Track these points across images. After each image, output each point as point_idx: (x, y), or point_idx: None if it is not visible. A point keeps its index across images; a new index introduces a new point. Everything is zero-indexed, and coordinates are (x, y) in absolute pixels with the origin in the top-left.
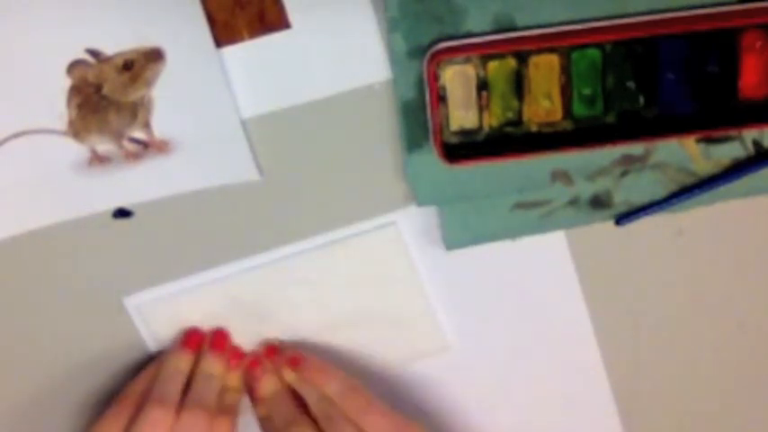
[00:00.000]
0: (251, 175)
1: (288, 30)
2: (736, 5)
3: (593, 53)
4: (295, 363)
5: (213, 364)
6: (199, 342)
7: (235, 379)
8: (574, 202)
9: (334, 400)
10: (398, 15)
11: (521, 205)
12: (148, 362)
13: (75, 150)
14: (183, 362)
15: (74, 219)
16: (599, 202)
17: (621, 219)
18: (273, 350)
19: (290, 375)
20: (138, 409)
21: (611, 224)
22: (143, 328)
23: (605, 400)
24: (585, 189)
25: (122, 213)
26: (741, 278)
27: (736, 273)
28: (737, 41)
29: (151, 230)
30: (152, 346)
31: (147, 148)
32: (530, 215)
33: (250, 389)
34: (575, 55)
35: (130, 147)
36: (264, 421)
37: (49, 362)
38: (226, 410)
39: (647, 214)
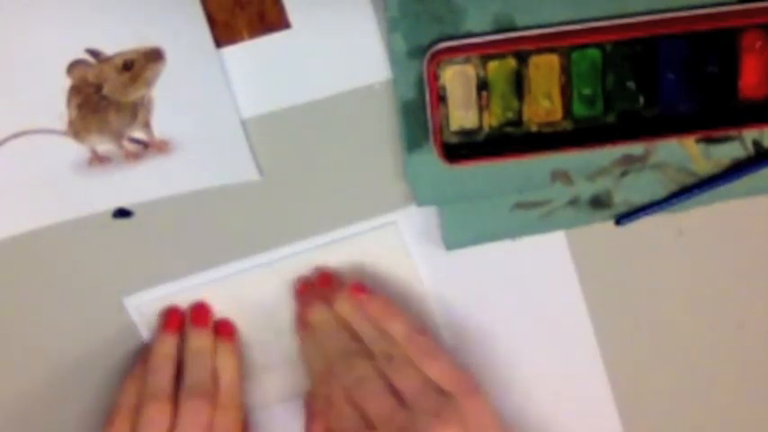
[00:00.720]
0: (251, 175)
1: (288, 30)
2: (736, 5)
3: (593, 53)
4: (358, 291)
5: (200, 340)
6: (179, 321)
7: (227, 352)
8: (574, 202)
9: (398, 340)
10: (398, 15)
11: (521, 205)
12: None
13: (75, 150)
14: (167, 346)
15: (74, 219)
16: (599, 202)
17: (621, 219)
18: (327, 278)
19: (343, 308)
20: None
21: (611, 224)
22: (143, 329)
23: (605, 399)
24: (585, 189)
25: (122, 213)
26: (741, 278)
27: (736, 273)
28: (737, 41)
29: (151, 230)
30: None
31: (147, 148)
32: (530, 215)
33: (298, 316)
34: (575, 55)
35: (130, 147)
36: (309, 349)
37: (49, 362)
38: (224, 389)
39: (647, 214)
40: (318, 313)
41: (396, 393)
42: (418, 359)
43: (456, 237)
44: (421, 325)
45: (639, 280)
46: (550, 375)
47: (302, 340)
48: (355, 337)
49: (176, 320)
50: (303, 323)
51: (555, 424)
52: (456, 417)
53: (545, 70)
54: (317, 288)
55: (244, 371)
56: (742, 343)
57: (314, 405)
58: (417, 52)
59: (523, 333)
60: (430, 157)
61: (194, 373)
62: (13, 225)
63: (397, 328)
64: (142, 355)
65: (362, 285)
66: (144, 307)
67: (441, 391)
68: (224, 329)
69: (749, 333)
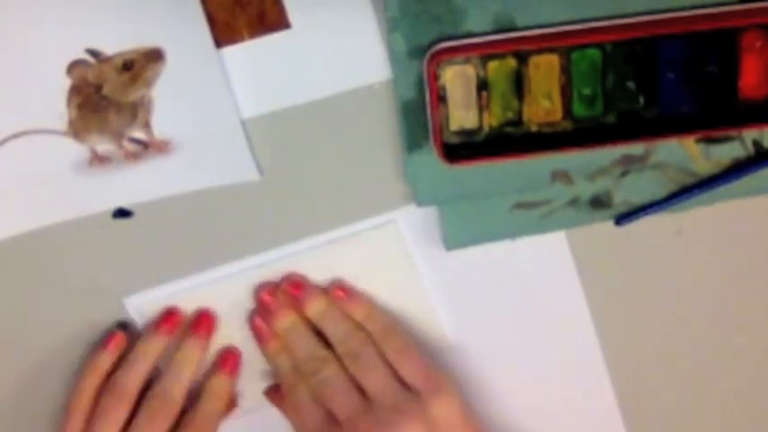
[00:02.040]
0: (251, 175)
1: (288, 30)
2: (736, 5)
3: (593, 53)
4: (340, 292)
5: (190, 350)
6: (175, 325)
7: (222, 379)
8: (574, 202)
9: (372, 339)
10: (398, 15)
11: (521, 205)
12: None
13: (76, 150)
14: (152, 346)
15: (74, 219)
16: (599, 202)
17: (621, 219)
18: (298, 284)
19: (312, 310)
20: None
21: (611, 224)
22: (143, 329)
23: (607, 399)
24: (585, 189)
25: (122, 213)
26: (741, 278)
27: (736, 273)
28: (737, 41)
29: (151, 230)
30: None
31: (147, 148)
32: (530, 215)
33: (258, 325)
34: (575, 55)
35: (130, 147)
36: (276, 357)
37: (49, 362)
38: (204, 414)
39: (647, 214)
40: (285, 319)
41: (361, 391)
42: (391, 357)
43: (456, 237)
44: (393, 323)
45: (639, 280)
46: (551, 375)
47: (269, 354)
48: (324, 340)
49: (172, 323)
50: (266, 333)
51: (556, 424)
52: (420, 414)
53: (545, 70)
54: (284, 293)
55: (242, 372)
56: (742, 343)
57: (285, 410)
58: (417, 52)
59: (524, 333)
60: (430, 157)
61: (168, 382)
62: (13, 225)
63: (371, 327)
64: (103, 342)
65: (344, 287)
66: (144, 307)
67: (406, 389)
68: (229, 358)
69: (749, 333)
